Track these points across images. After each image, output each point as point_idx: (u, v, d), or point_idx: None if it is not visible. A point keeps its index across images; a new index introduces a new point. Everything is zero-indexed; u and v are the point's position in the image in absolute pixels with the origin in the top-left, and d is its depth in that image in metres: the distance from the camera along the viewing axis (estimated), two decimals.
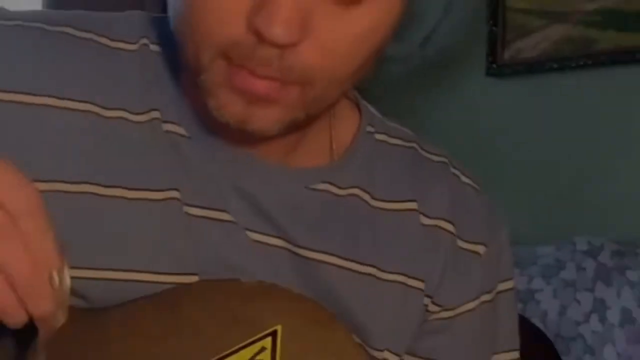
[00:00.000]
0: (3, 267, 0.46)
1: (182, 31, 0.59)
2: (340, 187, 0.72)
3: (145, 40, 0.69)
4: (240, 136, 0.65)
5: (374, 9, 0.55)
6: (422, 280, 0.73)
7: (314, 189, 0.71)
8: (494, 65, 2.48)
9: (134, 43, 0.68)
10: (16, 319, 0.48)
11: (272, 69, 0.55)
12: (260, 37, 0.52)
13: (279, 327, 0.61)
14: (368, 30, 0.56)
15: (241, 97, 0.57)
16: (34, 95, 0.62)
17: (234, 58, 0.55)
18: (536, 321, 2.07)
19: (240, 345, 0.60)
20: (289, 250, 0.69)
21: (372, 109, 0.76)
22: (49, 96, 0.63)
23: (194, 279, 0.64)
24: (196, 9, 0.56)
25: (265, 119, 0.58)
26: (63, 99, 0.63)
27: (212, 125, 0.66)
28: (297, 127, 0.65)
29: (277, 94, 0.57)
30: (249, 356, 0.59)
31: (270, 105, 0.57)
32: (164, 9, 0.66)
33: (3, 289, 0.46)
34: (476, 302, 0.75)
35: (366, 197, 0.73)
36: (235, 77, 0.56)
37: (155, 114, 0.67)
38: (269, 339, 0.60)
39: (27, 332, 0.51)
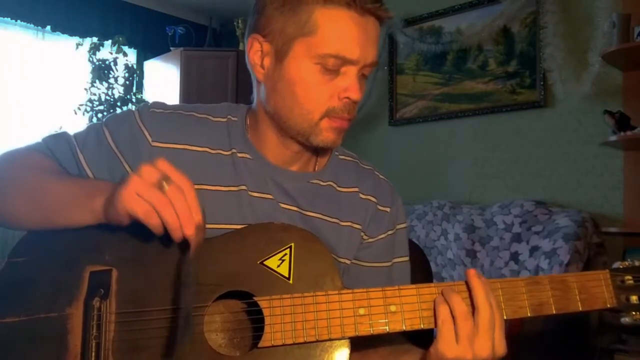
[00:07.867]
0: (176, 208, 0.67)
1: (289, 108, 0.81)
2: (323, 181, 0.94)
3: (229, 116, 0.92)
4: (280, 157, 0.88)
5: (365, 82, 0.83)
6: (360, 225, 0.95)
7: (311, 182, 0.93)
8: (392, 120, 3.62)
9: (224, 118, 0.92)
10: (178, 235, 0.69)
11: (351, 114, 0.82)
12: (349, 100, 0.79)
13: (292, 244, 0.79)
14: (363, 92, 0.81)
15: (335, 131, 0.82)
16: (189, 145, 0.87)
17: (330, 115, 0.80)
18: (414, 239, 2.99)
19: (274, 252, 0.79)
20: (300, 213, 0.90)
21: None
22: (191, 145, 0.88)
23: None
24: (303, 98, 0.79)
25: (340, 139, 0.85)
26: (198, 146, 0.88)
27: (264, 154, 0.89)
28: (317, 152, 0.89)
29: (348, 126, 0.83)
30: (279, 257, 0.78)
31: (343, 132, 0.84)
32: (238, 101, 0.85)
33: (174, 219, 0.68)
34: (385, 234, 0.98)
35: (335, 186, 0.95)
36: (335, 122, 0.81)
37: (234, 150, 0.89)
38: (288, 249, 0.79)
39: (186, 246, 0.71)
